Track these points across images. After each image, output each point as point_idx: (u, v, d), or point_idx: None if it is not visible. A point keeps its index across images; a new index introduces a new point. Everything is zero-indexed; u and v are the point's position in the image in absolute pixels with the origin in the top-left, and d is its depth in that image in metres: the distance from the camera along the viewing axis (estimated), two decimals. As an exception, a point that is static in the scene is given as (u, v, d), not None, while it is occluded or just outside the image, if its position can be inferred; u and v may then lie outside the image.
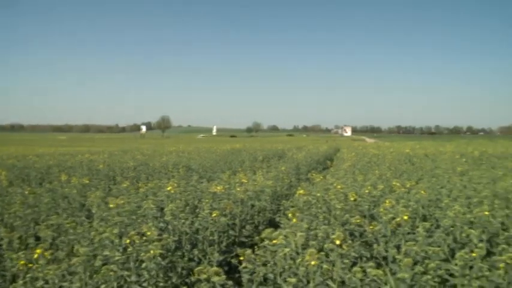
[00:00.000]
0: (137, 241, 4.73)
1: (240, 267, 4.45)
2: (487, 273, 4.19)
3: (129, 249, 4.72)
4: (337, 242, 4.43)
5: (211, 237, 6.22)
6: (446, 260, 4.78)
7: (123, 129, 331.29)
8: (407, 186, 8.15)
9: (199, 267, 3.81)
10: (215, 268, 3.73)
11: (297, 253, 4.58)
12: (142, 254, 4.54)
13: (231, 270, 5.81)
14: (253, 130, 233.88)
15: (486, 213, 5.75)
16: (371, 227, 5.65)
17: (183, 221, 6.13)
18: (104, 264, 4.41)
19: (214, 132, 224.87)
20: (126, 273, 4.51)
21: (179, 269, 5.64)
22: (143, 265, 4.54)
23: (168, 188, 7.73)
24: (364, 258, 5.25)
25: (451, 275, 4.44)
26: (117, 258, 4.58)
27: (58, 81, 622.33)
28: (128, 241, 4.80)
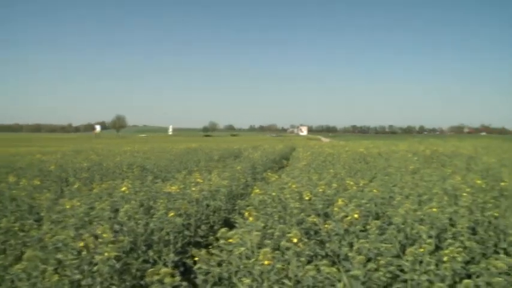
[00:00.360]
0: (91, 244, 4.63)
1: (195, 268, 4.43)
2: (433, 267, 4.33)
3: (83, 253, 4.62)
4: (294, 241, 4.46)
5: (166, 238, 6.15)
6: (397, 256, 4.89)
7: (76, 129, 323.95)
8: (361, 184, 8.29)
9: (151, 269, 3.76)
10: (167, 269, 3.69)
11: (253, 252, 4.60)
12: (96, 256, 4.45)
13: (187, 271, 5.77)
14: (210, 130, 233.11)
15: (435, 210, 5.94)
16: (325, 225, 5.72)
17: (138, 222, 6.06)
18: (56, 269, 4.31)
19: (170, 131, 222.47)
20: (78, 276, 4.41)
21: (134, 271, 5.56)
22: (95, 268, 4.46)
23: (123, 189, 7.61)
24: (319, 257, 5.31)
25: (402, 270, 4.56)
26: (70, 261, 4.47)
27: (6, 79, 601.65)
28: (81, 244, 4.70)
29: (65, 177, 12.56)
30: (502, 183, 8.20)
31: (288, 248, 4.45)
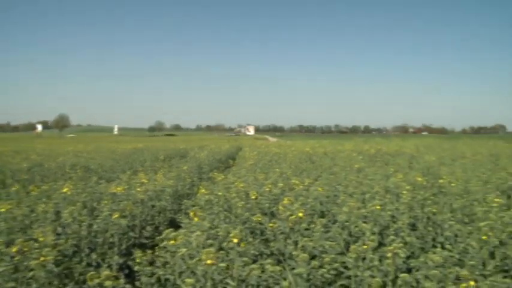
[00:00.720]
0: (26, 248, 4.45)
1: (138, 269, 4.37)
2: (376, 263, 4.45)
3: (15, 258, 4.42)
4: (235, 241, 4.48)
5: (110, 240, 6.03)
6: (342, 254, 4.98)
7: (15, 128, 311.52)
8: (306, 183, 8.40)
9: (92, 272, 3.68)
10: (108, 272, 3.62)
11: (198, 252, 4.58)
12: (32, 261, 4.28)
13: (132, 273, 5.68)
14: (156, 129, 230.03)
15: (377, 207, 6.10)
16: (271, 224, 5.77)
17: (81, 224, 5.91)
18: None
19: (115, 131, 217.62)
20: (12, 284, 4.24)
21: (76, 275, 5.41)
22: (29, 274, 4.28)
23: (65, 190, 7.40)
24: (265, 255, 5.34)
25: (346, 267, 4.65)
26: (2, 269, 4.28)
27: None
28: (14, 249, 4.47)
29: (2, 178, 12.02)
30: (441, 181, 8.51)
31: (231, 248, 4.46)
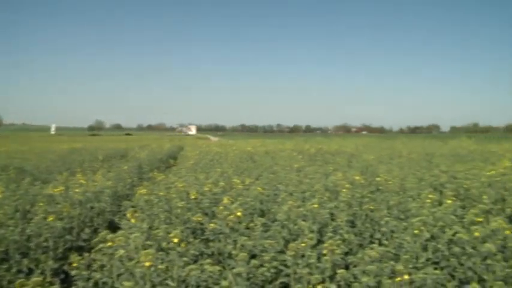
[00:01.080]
0: None
1: (75, 274, 4.25)
2: (314, 260, 4.53)
3: None
4: (175, 241, 4.43)
5: (45, 244, 5.81)
6: (281, 252, 5.04)
7: None
8: (247, 183, 8.43)
9: (21, 280, 3.53)
10: (37, 278, 3.49)
11: (137, 254, 4.50)
12: None
13: (68, 278, 5.50)
14: (96, 129, 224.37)
15: (316, 205, 6.19)
16: (211, 224, 5.75)
17: (11, 228, 5.66)
18: None
19: (53, 131, 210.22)
20: None
21: (5, 283, 5.17)
22: None
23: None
24: (205, 255, 5.32)
25: (286, 265, 4.70)
26: None
27: None
28: None
29: None
30: (378, 179, 8.74)
31: (171, 249, 4.41)
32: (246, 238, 4.99)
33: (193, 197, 7.00)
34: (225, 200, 6.31)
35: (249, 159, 15.99)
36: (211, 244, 5.52)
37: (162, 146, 29.65)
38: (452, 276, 4.61)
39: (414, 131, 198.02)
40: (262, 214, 6.68)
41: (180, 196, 6.95)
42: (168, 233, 4.84)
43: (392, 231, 5.70)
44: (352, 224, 6.34)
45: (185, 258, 4.29)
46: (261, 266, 4.47)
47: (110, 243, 4.41)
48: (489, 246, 4.47)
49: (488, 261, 4.42)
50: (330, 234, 5.38)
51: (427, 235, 5.12)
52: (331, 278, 4.41)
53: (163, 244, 4.51)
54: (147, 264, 3.92)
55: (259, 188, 7.52)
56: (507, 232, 4.83)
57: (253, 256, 4.87)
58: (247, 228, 5.59)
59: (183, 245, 4.50)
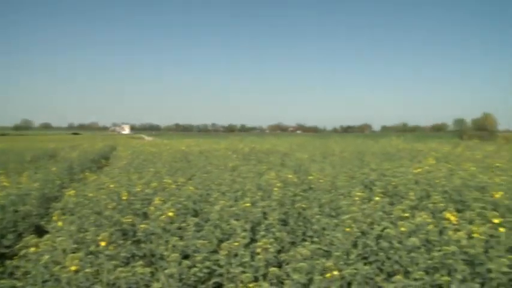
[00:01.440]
0: None
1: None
2: (247, 259, 4.54)
3: None
4: (103, 244, 4.32)
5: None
6: (214, 252, 5.02)
7: None
8: (180, 183, 8.34)
9: None
10: None
11: (64, 258, 4.34)
12: None
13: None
14: (23, 128, 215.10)
15: (248, 205, 6.22)
16: (143, 225, 5.64)
17: None
18: None
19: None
20: None
21: None
22: None
23: None
24: (137, 257, 5.22)
25: (219, 265, 4.69)
26: None
27: None
28: None
29: None
30: (310, 177, 8.87)
31: (100, 252, 4.29)
32: (177, 238, 4.94)
33: (124, 197, 6.85)
34: (157, 201, 6.22)
35: (183, 159, 15.84)
36: (142, 245, 5.42)
37: (94, 145, 28.84)
38: (381, 270, 4.77)
39: (347, 130, 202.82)
40: (195, 214, 6.62)
41: (110, 197, 6.78)
42: (97, 235, 4.71)
43: (324, 229, 5.81)
44: (285, 223, 6.40)
45: (115, 261, 4.19)
46: (194, 266, 4.44)
47: (34, 249, 4.22)
48: (414, 240, 4.65)
49: (412, 254, 4.59)
50: (263, 233, 5.42)
51: (357, 232, 5.25)
52: (264, 276, 4.45)
53: (92, 247, 4.37)
54: (73, 268, 3.80)
55: (191, 188, 7.46)
56: (430, 226, 5.03)
57: (186, 257, 4.83)
58: (180, 228, 5.53)
59: (111, 247, 4.38)
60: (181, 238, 5.10)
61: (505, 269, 4.20)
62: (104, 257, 4.25)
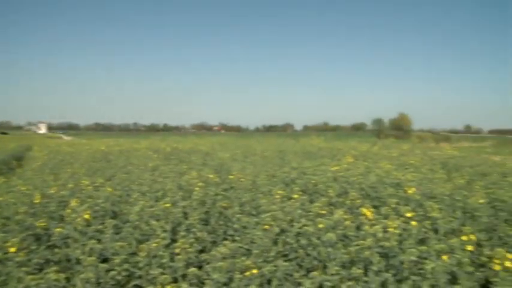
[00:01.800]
0: None
1: None
2: (166, 260, 4.50)
3: None
4: (12, 250, 4.10)
5: None
6: (133, 254, 4.92)
7: None
8: (98, 184, 8.11)
9: None
10: None
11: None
12: None
13: None
14: None
15: (168, 205, 6.15)
16: (58, 229, 5.42)
17: None
18: None
19: None
20: None
21: None
22: None
23: None
24: (52, 263, 5.01)
25: (138, 267, 4.60)
26: None
27: None
28: None
29: None
30: (231, 176, 8.90)
31: (8, 259, 4.08)
32: (95, 241, 4.79)
33: (37, 200, 6.55)
34: (74, 203, 6.00)
35: (102, 159, 15.41)
36: (57, 250, 5.20)
37: (5, 146, 27.39)
38: (300, 266, 4.86)
39: (270, 129, 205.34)
40: (114, 216, 6.46)
41: (21, 200, 6.46)
42: (5, 242, 4.47)
43: (245, 227, 5.85)
44: (206, 222, 6.38)
45: (25, 268, 3.99)
46: (112, 269, 4.32)
47: None
48: (331, 236, 4.79)
49: (330, 250, 4.73)
50: (183, 233, 5.38)
51: (277, 229, 5.33)
52: (184, 277, 4.41)
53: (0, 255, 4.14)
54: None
55: (109, 189, 7.26)
56: (348, 222, 5.20)
57: (104, 260, 4.70)
58: (97, 231, 5.37)
59: (22, 254, 4.17)
60: (99, 241, 4.95)
61: (414, 258, 4.45)
62: (13, 265, 4.03)
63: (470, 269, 4.24)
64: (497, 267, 4.14)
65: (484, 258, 4.73)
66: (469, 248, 4.54)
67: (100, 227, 5.37)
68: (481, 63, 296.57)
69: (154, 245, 4.62)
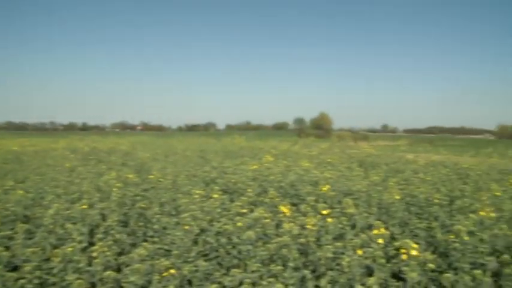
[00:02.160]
0: None
1: None
2: (83, 264, 4.38)
3: None
4: None
5: None
6: (47, 259, 4.74)
7: None
8: (8, 186, 7.74)
9: None
10: None
11: None
12: None
13: None
14: None
15: (85, 206, 5.99)
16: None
17: None
18: None
19: None
20: None
21: None
22: None
23: None
24: None
25: (52, 273, 4.44)
26: None
27: None
28: None
29: None
30: (151, 176, 8.78)
31: None
32: (3, 249, 4.56)
33: None
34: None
35: (14, 160, 14.67)
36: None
37: None
38: (221, 265, 4.90)
39: (192, 128, 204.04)
40: (26, 220, 6.18)
41: None
42: None
43: (165, 228, 5.80)
44: (125, 224, 6.27)
45: None
46: (22, 278, 4.14)
47: None
48: (250, 234, 4.86)
49: (249, 248, 4.79)
50: (101, 236, 5.25)
51: (197, 229, 5.33)
52: (101, 281, 4.31)
53: None
54: None
55: (21, 192, 6.93)
56: (267, 220, 5.29)
57: (14, 268, 4.49)
58: (6, 237, 5.12)
59: None
60: (7, 248, 4.72)
61: (330, 255, 4.61)
62: None
63: (383, 261, 4.45)
64: (404, 257, 4.37)
65: (393, 251, 4.96)
66: (380, 241, 4.75)
67: (9, 232, 5.12)
68: (397, 65, 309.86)
69: (69, 249, 4.46)
